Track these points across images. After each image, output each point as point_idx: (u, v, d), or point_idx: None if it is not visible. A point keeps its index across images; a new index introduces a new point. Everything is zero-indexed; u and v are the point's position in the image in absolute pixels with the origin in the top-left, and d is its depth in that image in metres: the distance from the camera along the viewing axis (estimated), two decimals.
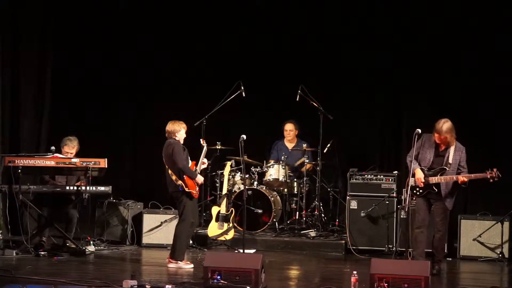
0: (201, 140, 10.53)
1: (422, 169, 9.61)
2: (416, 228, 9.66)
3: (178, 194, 9.90)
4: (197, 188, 9.99)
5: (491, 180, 9.49)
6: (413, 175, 9.63)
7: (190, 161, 10.05)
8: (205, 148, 10.35)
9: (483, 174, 9.50)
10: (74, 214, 10.94)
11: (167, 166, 9.98)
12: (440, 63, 12.13)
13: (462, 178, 9.46)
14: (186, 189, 9.81)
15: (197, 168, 10.08)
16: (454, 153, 9.57)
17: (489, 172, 9.47)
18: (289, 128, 12.38)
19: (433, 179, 9.53)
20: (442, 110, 11.92)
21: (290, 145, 12.44)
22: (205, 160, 10.36)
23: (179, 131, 9.99)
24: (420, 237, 9.65)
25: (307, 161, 11.97)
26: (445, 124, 9.49)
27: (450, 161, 9.55)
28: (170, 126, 10.03)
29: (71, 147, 11.03)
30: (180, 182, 9.82)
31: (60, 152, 10.92)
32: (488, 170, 9.49)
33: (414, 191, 9.63)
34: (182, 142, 10.04)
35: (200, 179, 10.03)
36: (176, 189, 9.88)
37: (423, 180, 9.54)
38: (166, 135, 10.06)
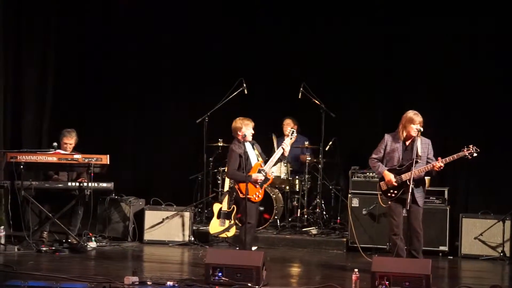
0: (288, 130, 10.21)
1: (391, 169, 9.33)
2: (393, 235, 9.37)
3: (237, 198, 9.69)
4: (260, 191, 9.58)
5: (470, 157, 9.17)
6: (382, 179, 9.39)
7: (258, 160, 9.72)
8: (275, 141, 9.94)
9: (461, 153, 9.16)
10: (78, 210, 10.97)
11: None
12: (441, 62, 12.11)
13: (439, 163, 9.13)
14: (241, 195, 9.50)
15: (266, 165, 9.66)
16: (421, 146, 9.27)
17: (466, 149, 9.16)
18: (286, 123, 12.33)
19: (407, 175, 9.18)
20: (443, 109, 11.98)
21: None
22: (286, 146, 9.75)
23: (240, 128, 9.62)
24: (401, 245, 9.34)
25: (309, 158, 11.98)
26: (419, 114, 9.28)
27: (420, 153, 9.23)
28: (233, 124, 9.67)
29: (69, 137, 11.06)
30: (236, 187, 9.62)
31: (59, 146, 10.94)
32: (464, 147, 9.20)
33: (388, 194, 9.36)
34: (249, 139, 9.63)
35: (256, 177, 9.55)
36: (236, 193, 9.66)
37: (394, 180, 9.26)
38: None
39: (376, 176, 10.18)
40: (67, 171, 11.13)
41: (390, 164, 9.40)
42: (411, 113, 9.34)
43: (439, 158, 9.24)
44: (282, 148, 9.75)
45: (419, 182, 9.32)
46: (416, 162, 9.22)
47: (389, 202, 9.39)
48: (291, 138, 9.91)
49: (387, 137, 9.48)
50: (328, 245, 11.35)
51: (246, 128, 9.63)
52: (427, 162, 9.31)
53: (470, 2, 11.93)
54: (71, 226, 10.94)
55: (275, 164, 9.97)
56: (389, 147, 9.43)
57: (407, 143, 9.37)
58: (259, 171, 9.64)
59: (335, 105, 12.03)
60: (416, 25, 12.22)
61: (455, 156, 9.19)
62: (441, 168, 9.21)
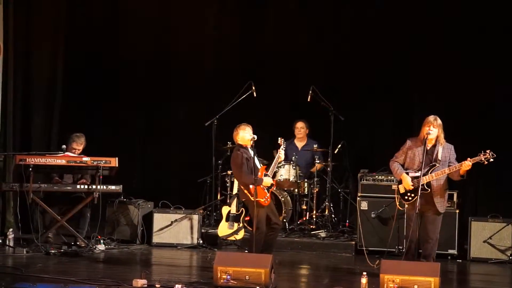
0: (279, 139, 10.21)
1: (409, 172, 9.29)
2: (409, 241, 9.35)
3: (248, 201, 9.71)
4: (268, 195, 9.68)
5: (486, 162, 9.09)
6: (400, 182, 9.38)
7: (260, 165, 9.82)
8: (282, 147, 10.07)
9: (477, 157, 9.09)
10: (86, 212, 10.98)
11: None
12: (454, 63, 12.06)
13: (468, 163, 9.04)
14: (252, 199, 9.53)
15: (270, 170, 9.83)
16: (442, 151, 9.26)
17: (483, 154, 9.07)
18: (300, 126, 12.34)
19: (424, 179, 9.14)
20: (455, 111, 11.93)
21: (300, 144, 12.41)
22: (282, 155, 10.05)
23: (236, 136, 9.74)
24: (413, 250, 9.34)
25: (318, 161, 11.97)
26: (437, 118, 9.27)
27: (439, 157, 9.23)
28: (234, 132, 9.79)
29: (79, 143, 11.08)
30: (246, 192, 9.62)
31: (67, 149, 10.95)
32: (481, 152, 9.14)
33: (406, 197, 9.33)
34: (249, 143, 9.69)
35: (267, 181, 9.68)
36: (246, 198, 9.68)
37: (411, 183, 9.23)
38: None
39: (394, 179, 10.23)
40: (75, 173, 11.14)
41: (411, 167, 9.38)
42: (429, 116, 9.32)
43: (468, 158, 9.13)
44: (279, 156, 9.94)
45: (439, 186, 9.29)
46: (435, 165, 9.24)
47: (406, 205, 9.38)
48: (283, 149, 10.05)
49: (410, 141, 9.46)
50: (337, 248, 11.34)
51: (243, 132, 9.71)
52: (449, 166, 9.26)
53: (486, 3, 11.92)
54: (79, 229, 10.97)
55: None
56: (411, 150, 9.40)
57: (428, 147, 9.33)
58: (265, 176, 9.71)
59: (344, 106, 12.03)
60: (427, 26, 12.18)
61: (475, 159, 9.13)
62: (470, 167, 9.11)
